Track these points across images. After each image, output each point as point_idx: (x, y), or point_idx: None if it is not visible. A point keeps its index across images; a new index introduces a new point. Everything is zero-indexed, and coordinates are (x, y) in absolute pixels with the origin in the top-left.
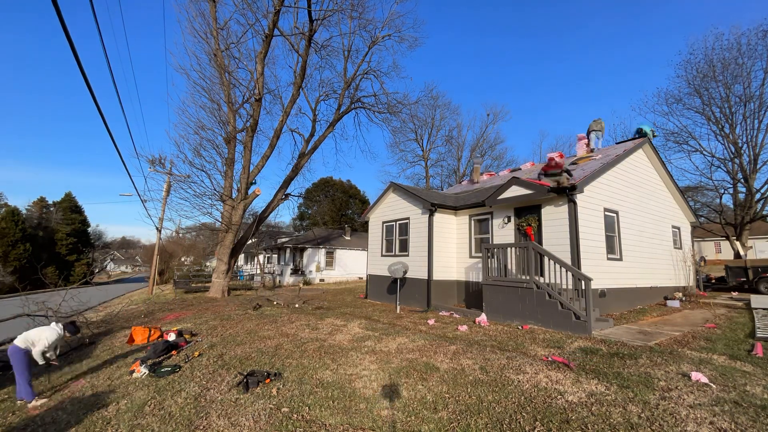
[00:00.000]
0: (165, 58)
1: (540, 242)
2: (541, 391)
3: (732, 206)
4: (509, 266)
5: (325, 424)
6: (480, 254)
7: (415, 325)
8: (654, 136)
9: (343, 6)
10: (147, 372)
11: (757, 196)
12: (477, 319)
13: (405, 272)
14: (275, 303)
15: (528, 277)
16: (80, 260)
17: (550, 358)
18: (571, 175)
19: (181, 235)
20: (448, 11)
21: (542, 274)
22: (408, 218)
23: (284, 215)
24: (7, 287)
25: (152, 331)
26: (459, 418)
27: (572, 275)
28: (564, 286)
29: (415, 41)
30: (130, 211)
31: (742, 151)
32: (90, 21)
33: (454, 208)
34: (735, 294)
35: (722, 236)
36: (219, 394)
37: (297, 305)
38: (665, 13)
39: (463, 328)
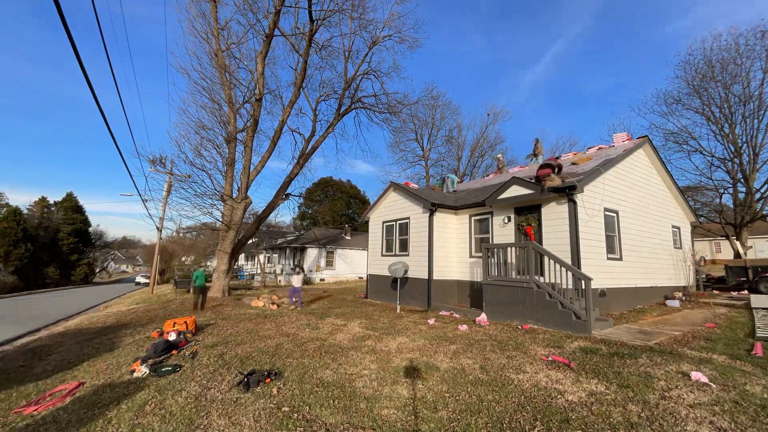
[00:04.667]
0: (166, 58)
1: (540, 242)
2: (541, 391)
3: (732, 206)
4: (509, 266)
5: (326, 424)
6: (480, 254)
7: (415, 324)
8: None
9: (343, 6)
10: (147, 371)
11: (757, 195)
12: (477, 319)
13: (405, 272)
14: (273, 303)
15: (528, 277)
16: (81, 260)
17: (550, 358)
18: (559, 170)
19: (181, 234)
20: (449, 10)
21: (542, 274)
22: (408, 218)
23: (285, 215)
24: (8, 287)
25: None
26: (459, 417)
27: (572, 275)
28: (564, 286)
29: (416, 42)
30: (131, 211)
31: (742, 151)
32: (91, 19)
33: (454, 208)
34: (735, 294)
35: (722, 236)
36: (219, 393)
37: (297, 305)
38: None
39: (463, 327)
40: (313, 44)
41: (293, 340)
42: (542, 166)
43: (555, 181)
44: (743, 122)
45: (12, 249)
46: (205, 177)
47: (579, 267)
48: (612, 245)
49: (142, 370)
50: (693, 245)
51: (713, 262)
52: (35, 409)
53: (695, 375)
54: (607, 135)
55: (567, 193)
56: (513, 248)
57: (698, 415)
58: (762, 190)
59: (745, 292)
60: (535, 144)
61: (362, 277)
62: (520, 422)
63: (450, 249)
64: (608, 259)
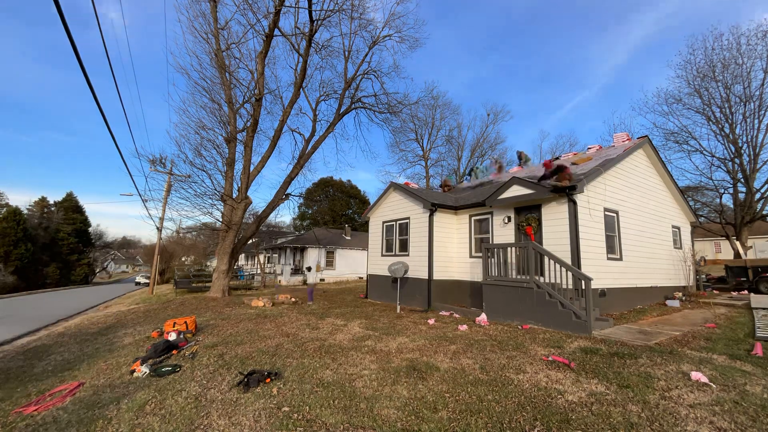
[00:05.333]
0: (166, 58)
1: (540, 242)
2: (541, 391)
3: (732, 206)
4: (509, 266)
5: (326, 424)
6: (480, 254)
7: (415, 324)
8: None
9: (343, 6)
10: (147, 371)
11: (757, 195)
12: (477, 319)
13: (405, 272)
14: (272, 303)
15: (528, 277)
16: (81, 260)
17: (550, 358)
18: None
19: (181, 235)
20: (450, 10)
21: (542, 274)
22: (408, 218)
23: (285, 215)
24: (8, 287)
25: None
26: (459, 417)
27: (572, 275)
28: (564, 286)
29: (416, 42)
30: (131, 212)
31: (742, 151)
32: (91, 19)
33: (455, 208)
34: (735, 294)
35: (722, 236)
36: (219, 393)
37: (297, 304)
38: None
39: (463, 327)
40: (313, 44)
41: (293, 340)
42: (560, 167)
43: (564, 181)
44: (744, 122)
45: (12, 249)
46: (205, 177)
47: (579, 267)
48: (612, 245)
49: (142, 370)
50: (693, 245)
51: (713, 262)
52: (35, 409)
53: (695, 375)
54: (607, 135)
55: (567, 193)
56: (513, 248)
57: (698, 415)
58: (762, 190)
59: (745, 292)
60: (519, 156)
61: (362, 277)
62: (520, 422)
63: (450, 249)
64: (608, 259)
